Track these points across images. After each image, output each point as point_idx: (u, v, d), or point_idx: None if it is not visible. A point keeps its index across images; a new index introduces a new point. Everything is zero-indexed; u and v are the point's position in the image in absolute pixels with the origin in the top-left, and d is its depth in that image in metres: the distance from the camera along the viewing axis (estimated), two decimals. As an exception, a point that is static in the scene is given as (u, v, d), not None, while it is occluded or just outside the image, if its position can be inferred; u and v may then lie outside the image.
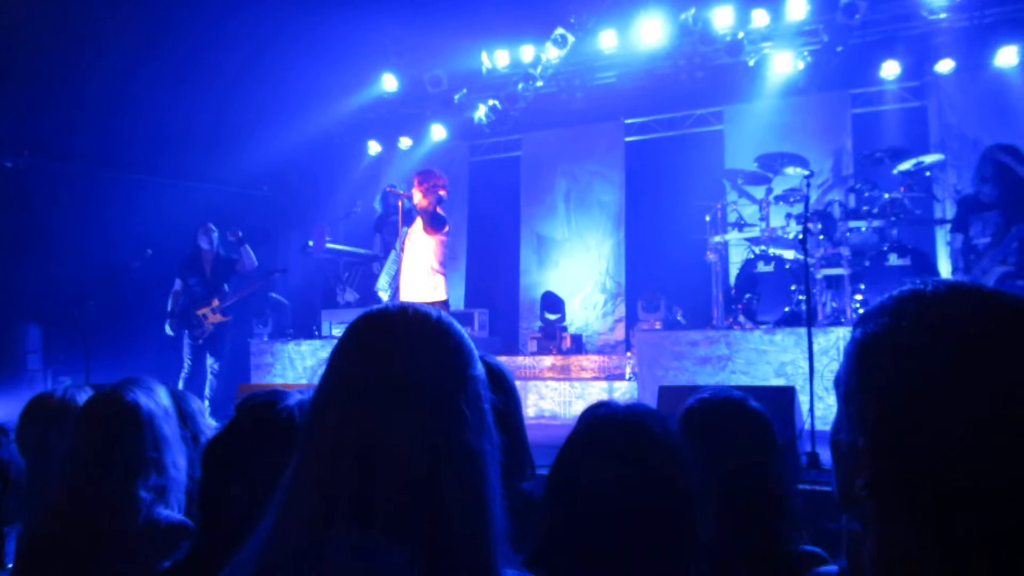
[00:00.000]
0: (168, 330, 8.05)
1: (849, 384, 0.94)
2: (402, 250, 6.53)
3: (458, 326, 1.23)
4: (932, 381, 0.86)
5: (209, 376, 7.96)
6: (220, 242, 8.20)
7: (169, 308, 8.09)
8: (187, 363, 8.01)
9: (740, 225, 8.25)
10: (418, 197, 6.31)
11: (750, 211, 8.52)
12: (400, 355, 1.15)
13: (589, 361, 8.81)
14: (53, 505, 2.03)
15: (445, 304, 6.42)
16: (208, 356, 8.00)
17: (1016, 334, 0.86)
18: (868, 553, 0.91)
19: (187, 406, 2.51)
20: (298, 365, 9.21)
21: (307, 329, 10.14)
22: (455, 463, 1.10)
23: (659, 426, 1.43)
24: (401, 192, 6.60)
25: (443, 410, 1.12)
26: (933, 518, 0.84)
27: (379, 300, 7.25)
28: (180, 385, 7.88)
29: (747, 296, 7.61)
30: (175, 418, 2.22)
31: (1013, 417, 0.82)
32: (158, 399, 2.17)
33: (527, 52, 10.07)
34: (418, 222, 6.42)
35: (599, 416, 1.48)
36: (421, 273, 6.34)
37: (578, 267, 10.64)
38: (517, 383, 2.32)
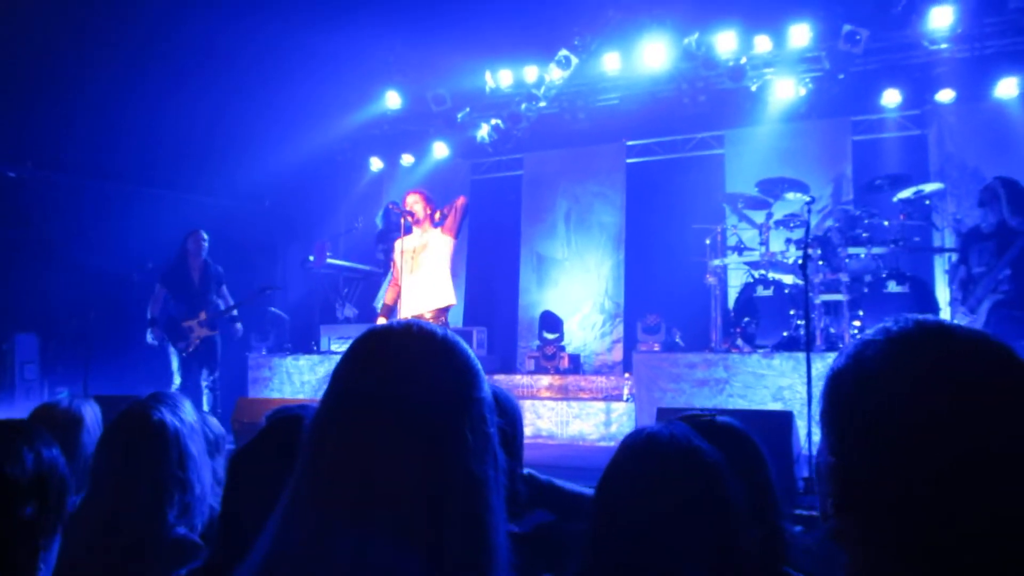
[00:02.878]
0: (149, 338, 7.73)
1: (821, 410, 1.03)
2: (403, 265, 6.56)
3: (464, 345, 1.18)
4: (884, 408, 0.94)
5: (205, 391, 7.74)
6: (209, 251, 7.96)
7: (150, 316, 7.76)
8: (177, 378, 7.73)
9: (740, 249, 8.27)
10: (420, 208, 6.47)
11: (750, 235, 8.55)
12: (402, 374, 1.10)
13: (587, 381, 8.80)
14: (72, 524, 2.02)
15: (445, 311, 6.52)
16: (203, 370, 7.77)
17: (968, 371, 0.93)
18: (845, 572, 0.97)
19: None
20: (296, 380, 9.20)
21: (306, 344, 10.13)
22: (455, 490, 1.07)
23: (704, 444, 1.46)
24: (403, 210, 6.64)
25: (445, 434, 1.08)
26: (885, 537, 0.92)
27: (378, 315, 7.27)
28: None
29: (746, 320, 7.62)
30: (200, 433, 2.21)
31: (960, 448, 0.89)
32: (184, 415, 2.15)
33: (531, 72, 10.13)
34: (427, 235, 6.51)
35: (644, 438, 1.49)
36: (440, 278, 6.44)
37: (577, 287, 10.65)
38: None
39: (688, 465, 1.42)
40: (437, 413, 1.09)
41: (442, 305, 6.43)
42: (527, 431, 7.84)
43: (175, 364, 7.74)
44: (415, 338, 1.15)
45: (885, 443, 0.92)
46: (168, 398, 2.18)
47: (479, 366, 1.18)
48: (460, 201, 6.55)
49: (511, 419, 2.18)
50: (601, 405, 7.90)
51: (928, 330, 0.97)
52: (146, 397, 2.16)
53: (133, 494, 2.01)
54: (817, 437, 4.99)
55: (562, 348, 9.63)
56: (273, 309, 10.39)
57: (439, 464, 1.07)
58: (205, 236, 7.95)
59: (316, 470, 1.09)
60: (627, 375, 8.52)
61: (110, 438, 2.11)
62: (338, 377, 1.15)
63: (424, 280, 6.45)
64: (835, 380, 1.01)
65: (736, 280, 8.84)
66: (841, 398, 1.00)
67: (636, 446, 1.49)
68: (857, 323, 7.16)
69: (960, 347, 0.95)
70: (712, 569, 1.35)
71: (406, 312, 6.37)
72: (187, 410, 2.19)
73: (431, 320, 6.29)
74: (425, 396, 1.09)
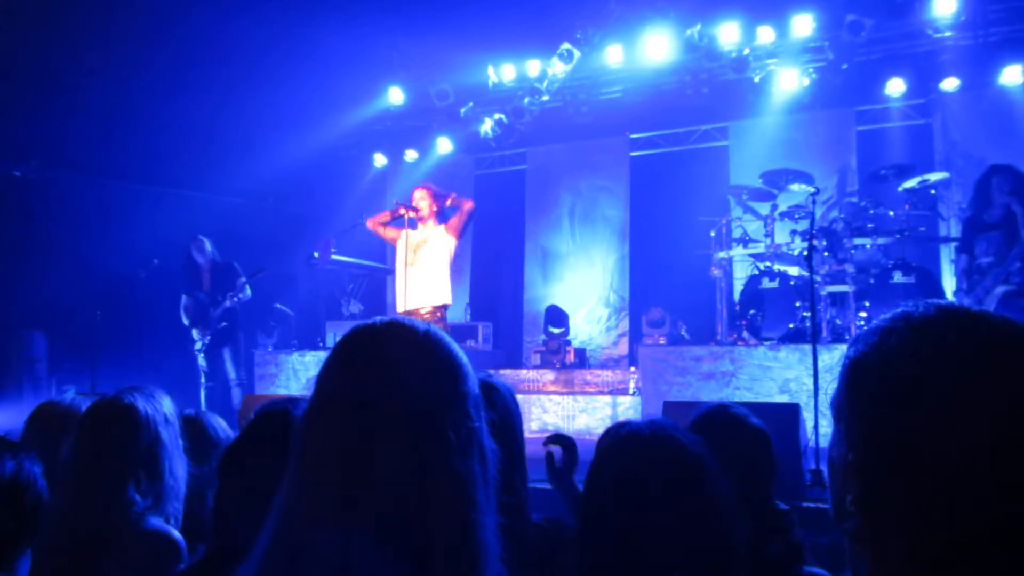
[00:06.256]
0: (196, 338, 8.03)
1: (839, 402, 0.98)
2: (402, 258, 6.57)
3: (448, 340, 1.19)
4: (917, 400, 0.88)
5: (233, 387, 7.99)
6: (214, 252, 8.14)
7: (187, 323, 8.04)
8: (203, 377, 8.03)
9: (745, 241, 8.25)
10: (426, 204, 6.46)
11: (755, 227, 8.53)
12: (383, 375, 1.12)
13: (592, 376, 8.80)
14: (53, 510, 2.04)
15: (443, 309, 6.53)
16: (228, 366, 8.02)
17: (1000, 356, 0.88)
18: (864, 569, 0.93)
19: (208, 420, 2.54)
20: (302, 376, 9.21)
21: (311, 340, 10.15)
22: (440, 489, 1.07)
23: (685, 437, 1.45)
24: (408, 206, 6.64)
25: (427, 434, 1.09)
26: (916, 534, 0.87)
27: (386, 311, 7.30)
28: (202, 397, 7.93)
29: (751, 312, 7.61)
30: (176, 427, 2.22)
31: (996, 436, 0.84)
32: (158, 405, 2.17)
33: (533, 67, 10.11)
34: (429, 230, 6.50)
35: (623, 436, 1.48)
36: (439, 276, 6.45)
37: (582, 281, 10.65)
38: (520, 397, 2.32)
39: (670, 460, 1.41)
40: (418, 413, 1.09)
41: (439, 303, 6.44)
42: (533, 426, 7.86)
43: (202, 362, 8.02)
44: (397, 338, 1.16)
45: (917, 434, 0.87)
46: (144, 388, 2.21)
47: (465, 360, 1.18)
48: (468, 205, 6.55)
49: (499, 407, 2.17)
50: (607, 399, 7.90)
51: (953, 314, 0.93)
52: (123, 388, 2.19)
53: (99, 475, 2.03)
54: (824, 429, 4.99)
55: (568, 342, 9.62)
56: (279, 306, 10.40)
57: (422, 464, 1.07)
58: (206, 242, 8.09)
59: (303, 472, 1.10)
60: (633, 369, 8.51)
61: (83, 424, 2.14)
62: (324, 375, 1.17)
63: (422, 276, 6.44)
64: (855, 370, 0.96)
65: (741, 272, 8.83)
66: (864, 389, 0.94)
67: (617, 443, 1.49)
68: (863, 314, 7.14)
69: (990, 330, 0.90)
70: (702, 565, 1.34)
71: (403, 306, 6.38)
72: (163, 402, 2.21)
73: (428, 316, 6.29)
74: (406, 396, 1.10)
